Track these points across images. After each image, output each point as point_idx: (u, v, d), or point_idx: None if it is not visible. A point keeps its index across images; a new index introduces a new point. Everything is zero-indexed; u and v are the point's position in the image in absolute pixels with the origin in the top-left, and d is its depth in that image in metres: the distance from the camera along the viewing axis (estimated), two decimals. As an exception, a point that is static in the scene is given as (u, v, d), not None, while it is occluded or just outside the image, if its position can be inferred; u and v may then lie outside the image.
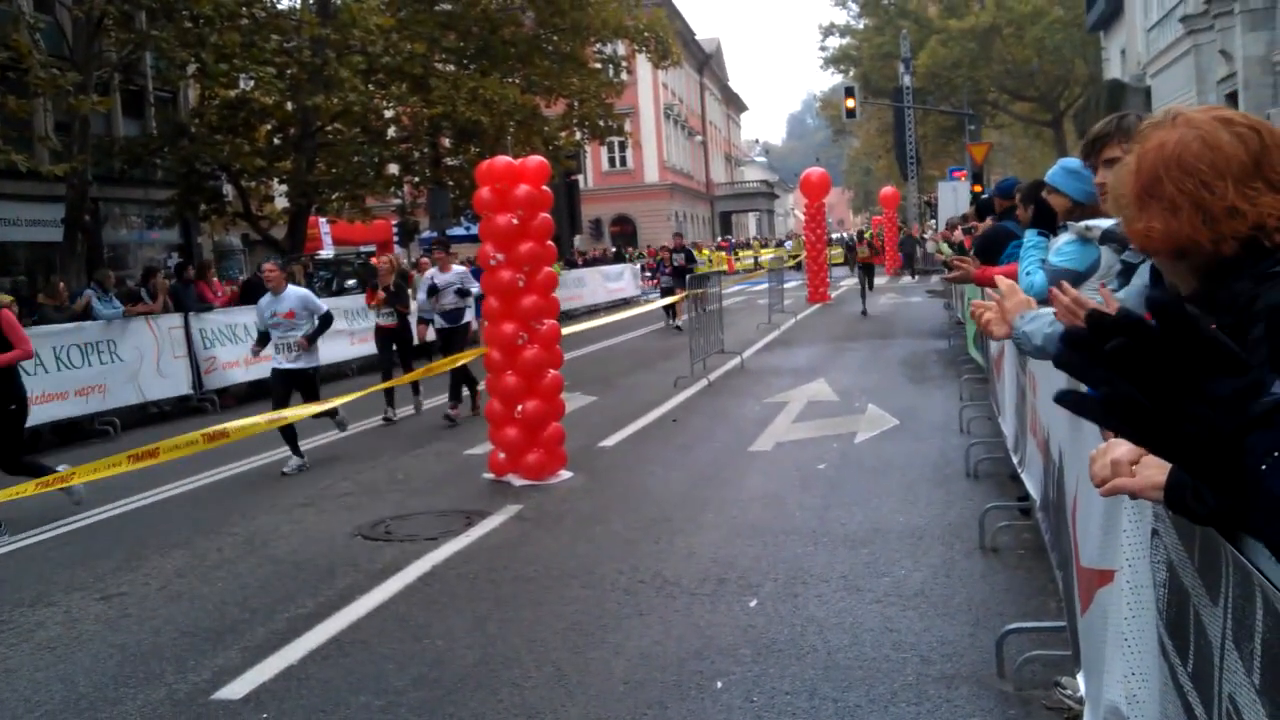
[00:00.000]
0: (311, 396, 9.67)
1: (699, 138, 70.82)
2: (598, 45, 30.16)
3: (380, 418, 11.96)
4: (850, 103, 36.97)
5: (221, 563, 6.79)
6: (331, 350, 16.74)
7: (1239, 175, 1.60)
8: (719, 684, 4.41)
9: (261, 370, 15.37)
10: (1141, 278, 3.15)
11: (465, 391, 11.90)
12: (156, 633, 5.52)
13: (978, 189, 28.77)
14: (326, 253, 30.21)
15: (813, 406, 11.15)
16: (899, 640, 4.75)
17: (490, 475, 8.62)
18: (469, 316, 12.43)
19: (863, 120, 52.36)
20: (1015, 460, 6.51)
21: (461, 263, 20.89)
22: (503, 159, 8.78)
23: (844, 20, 58.73)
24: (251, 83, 21.71)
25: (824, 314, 23.85)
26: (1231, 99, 21.96)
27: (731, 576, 5.80)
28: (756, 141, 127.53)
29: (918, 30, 50.16)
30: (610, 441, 10.07)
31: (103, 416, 12.89)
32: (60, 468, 7.74)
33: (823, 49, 60.07)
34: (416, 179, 27.30)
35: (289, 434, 9.41)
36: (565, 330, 9.46)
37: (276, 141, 23.97)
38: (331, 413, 9.85)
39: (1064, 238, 4.18)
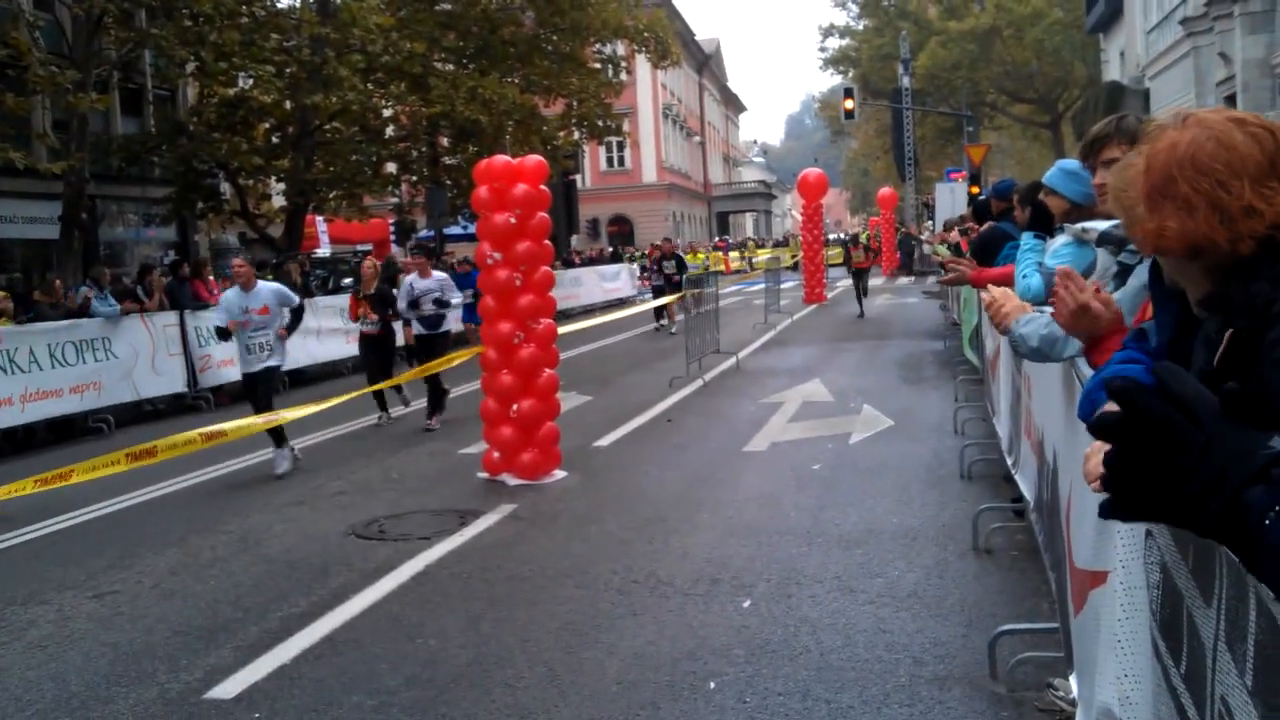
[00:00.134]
0: (266, 397, 9.40)
1: (697, 138, 70.84)
2: (597, 45, 30.15)
3: (375, 419, 11.86)
4: (849, 104, 36.94)
5: (214, 561, 6.78)
6: (328, 349, 16.78)
7: (1255, 175, 1.59)
8: (712, 684, 4.40)
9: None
10: (1139, 278, 3.14)
11: (431, 401, 11.48)
12: (149, 631, 5.50)
13: (975, 190, 28.77)
14: (323, 251, 30.19)
15: (808, 407, 11.14)
16: (892, 641, 4.74)
17: (485, 474, 8.61)
18: (449, 324, 12.07)
19: (861, 121, 52.37)
20: (1009, 462, 6.51)
21: (460, 262, 20.91)
22: (501, 158, 8.77)
23: (843, 21, 58.81)
24: (250, 81, 21.70)
25: (820, 315, 23.84)
26: (1230, 101, 21.97)
27: (725, 577, 5.80)
28: (755, 142, 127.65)
29: (917, 32, 50.17)
30: (605, 441, 10.06)
31: (97, 414, 12.87)
32: None
33: (822, 50, 60.02)
34: (414, 178, 27.29)
35: (278, 431, 9.14)
36: (561, 329, 9.44)
37: (274, 140, 23.96)
38: (279, 440, 9.34)
39: (1060, 240, 4.17)
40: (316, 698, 4.52)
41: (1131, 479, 1.09)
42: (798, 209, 40.20)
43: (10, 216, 21.23)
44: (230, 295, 9.56)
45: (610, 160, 58.08)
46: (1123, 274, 3.30)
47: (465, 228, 28.39)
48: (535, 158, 8.84)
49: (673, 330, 20.04)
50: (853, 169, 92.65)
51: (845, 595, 5.40)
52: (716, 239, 61.37)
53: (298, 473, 9.38)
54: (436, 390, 11.33)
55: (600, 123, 30.02)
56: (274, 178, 24.26)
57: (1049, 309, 3.06)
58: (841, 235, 50.32)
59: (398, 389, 12.05)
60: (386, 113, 25.97)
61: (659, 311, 20.86)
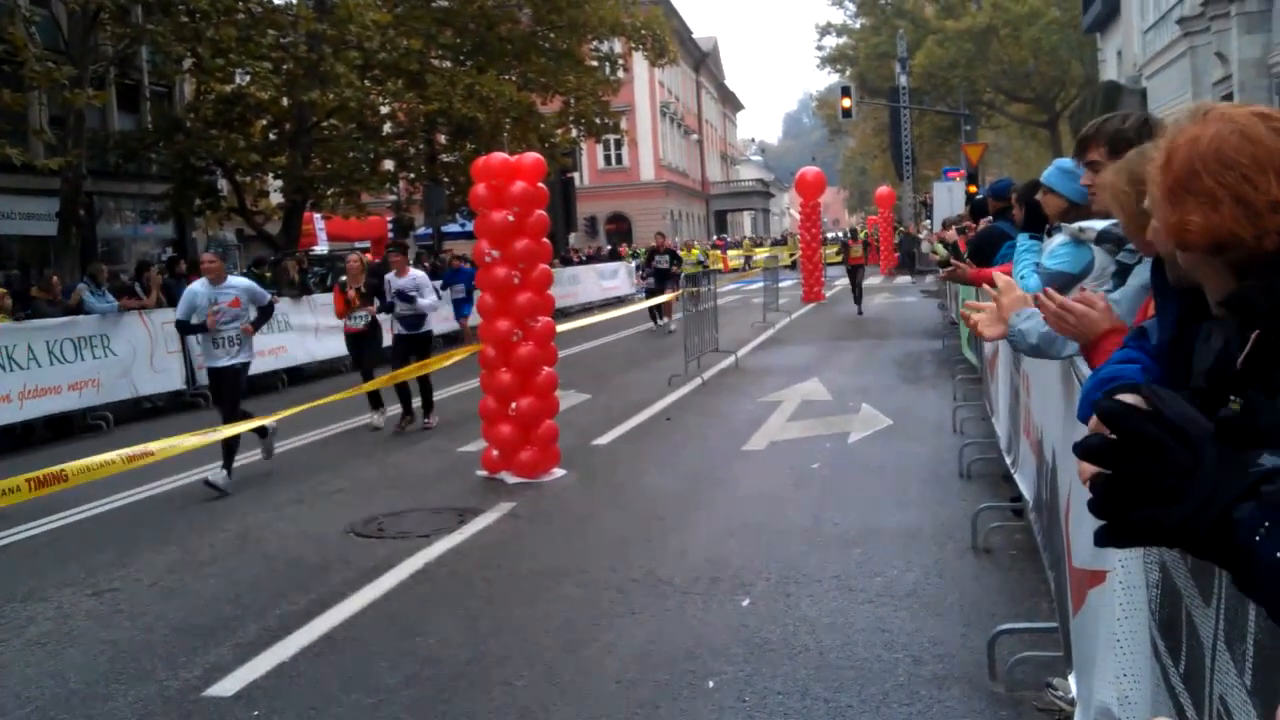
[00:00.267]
0: (233, 397, 8.98)
1: (695, 136, 70.79)
2: (594, 43, 30.12)
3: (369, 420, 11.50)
4: (846, 102, 36.95)
5: (214, 559, 6.78)
6: (326, 346, 16.74)
7: None
8: (711, 683, 4.41)
9: (256, 366, 15.37)
10: (1139, 278, 3.15)
11: (425, 401, 11.28)
12: (148, 629, 5.51)
13: (973, 189, 28.78)
14: (321, 249, 30.14)
15: (807, 406, 11.15)
16: (891, 640, 4.75)
17: (483, 473, 8.61)
18: (430, 324, 11.65)
19: (859, 120, 52.35)
20: (1008, 461, 6.52)
21: (457, 258, 20.88)
22: (499, 156, 8.77)
23: (841, 20, 58.73)
24: (247, 78, 21.64)
25: (818, 313, 23.86)
26: (1227, 101, 21.96)
27: (724, 576, 5.80)
28: (752, 140, 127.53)
29: (914, 30, 50.17)
30: (604, 440, 10.06)
31: (95, 411, 12.85)
32: None
33: (819, 48, 60.17)
34: (412, 175, 27.25)
35: (231, 442, 8.54)
36: (560, 327, 9.45)
37: (272, 137, 23.90)
38: (262, 431, 9.06)
39: (1058, 239, 4.17)
40: (315, 696, 4.52)
41: (1122, 503, 1.10)
42: (795, 207, 40.18)
43: (7, 213, 21.18)
44: (197, 288, 9.09)
45: (608, 158, 58.04)
46: (1121, 273, 3.30)
47: (463, 225, 28.34)
48: (533, 155, 8.84)
49: (671, 328, 20.04)
50: (850, 167, 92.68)
51: (844, 594, 5.41)
52: (715, 237, 61.36)
53: (297, 471, 9.38)
54: (425, 389, 11.06)
55: (598, 120, 30.00)
56: (271, 175, 24.21)
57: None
58: (839, 234, 50.31)
59: (373, 403, 11.39)
60: (384, 110, 25.92)
61: (654, 311, 20.77)
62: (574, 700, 4.33)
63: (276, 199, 25.30)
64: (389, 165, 26.63)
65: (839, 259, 27.30)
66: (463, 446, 9.94)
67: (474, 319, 17.25)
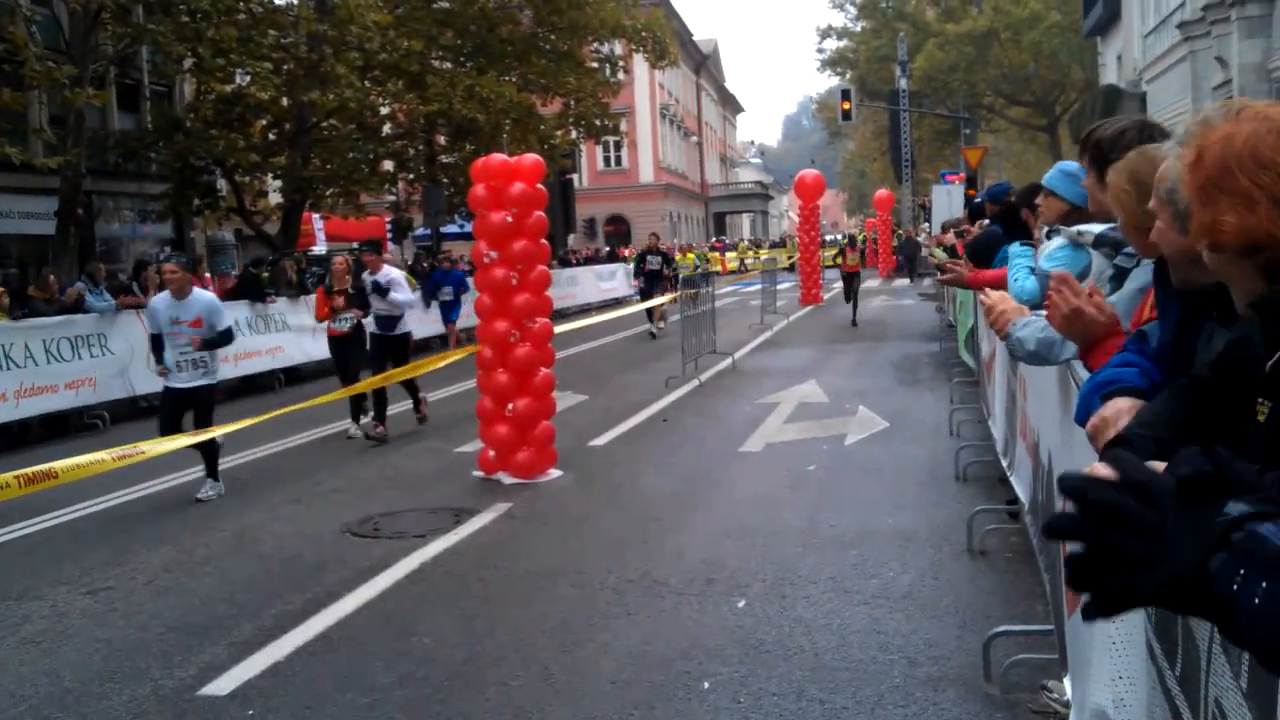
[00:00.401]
0: (205, 420, 8.31)
1: (694, 138, 70.82)
2: (595, 45, 30.12)
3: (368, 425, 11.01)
4: (846, 105, 36.99)
5: (209, 558, 6.77)
6: (324, 347, 16.61)
7: None
8: (706, 684, 4.41)
9: (252, 366, 15.41)
10: (1136, 281, 3.14)
11: (413, 403, 11.11)
12: (143, 628, 5.50)
13: (972, 193, 28.80)
14: (320, 249, 30.13)
15: (803, 408, 11.15)
16: (886, 642, 4.75)
17: (480, 473, 8.60)
18: (406, 326, 11.25)
19: (858, 123, 52.38)
20: (1005, 464, 6.52)
21: (446, 259, 20.80)
22: (498, 157, 8.78)
23: (841, 23, 58.79)
24: (247, 78, 21.64)
25: (816, 316, 23.86)
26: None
27: (720, 577, 5.80)
28: (752, 143, 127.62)
29: (914, 34, 50.21)
30: (601, 441, 10.06)
31: (92, 410, 12.84)
32: None
33: (819, 51, 60.01)
34: (411, 176, 27.25)
35: (210, 451, 8.30)
36: (558, 329, 9.45)
37: (271, 137, 23.90)
38: (214, 474, 8.53)
39: (1056, 242, 4.18)
40: (310, 695, 4.52)
41: (1098, 574, 1.09)
42: (794, 210, 40.20)
43: (6, 212, 21.17)
44: (158, 302, 8.53)
45: (607, 160, 58.04)
46: (1118, 276, 3.30)
47: (462, 226, 28.35)
48: (532, 156, 8.84)
49: (659, 330, 19.97)
50: (850, 170, 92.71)
51: (840, 596, 5.41)
52: (713, 239, 61.38)
53: (293, 471, 9.37)
54: (380, 400, 10.59)
55: (597, 122, 29.99)
56: (271, 175, 24.20)
57: (1045, 312, 3.07)
58: (838, 236, 50.37)
59: (354, 413, 11.06)
60: (384, 110, 25.92)
61: (650, 315, 20.60)
62: (569, 701, 4.33)
63: (275, 199, 25.29)
64: (388, 166, 26.64)
65: (836, 262, 27.06)
66: (459, 447, 9.93)
67: (461, 323, 17.24)
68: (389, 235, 31.75)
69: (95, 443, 10.21)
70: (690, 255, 30.28)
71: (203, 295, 8.61)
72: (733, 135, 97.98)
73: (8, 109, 16.38)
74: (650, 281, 21.28)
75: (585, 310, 26.46)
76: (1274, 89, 21.75)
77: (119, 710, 4.47)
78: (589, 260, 35.46)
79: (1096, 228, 3.78)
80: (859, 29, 57.06)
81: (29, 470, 5.46)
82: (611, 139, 42.57)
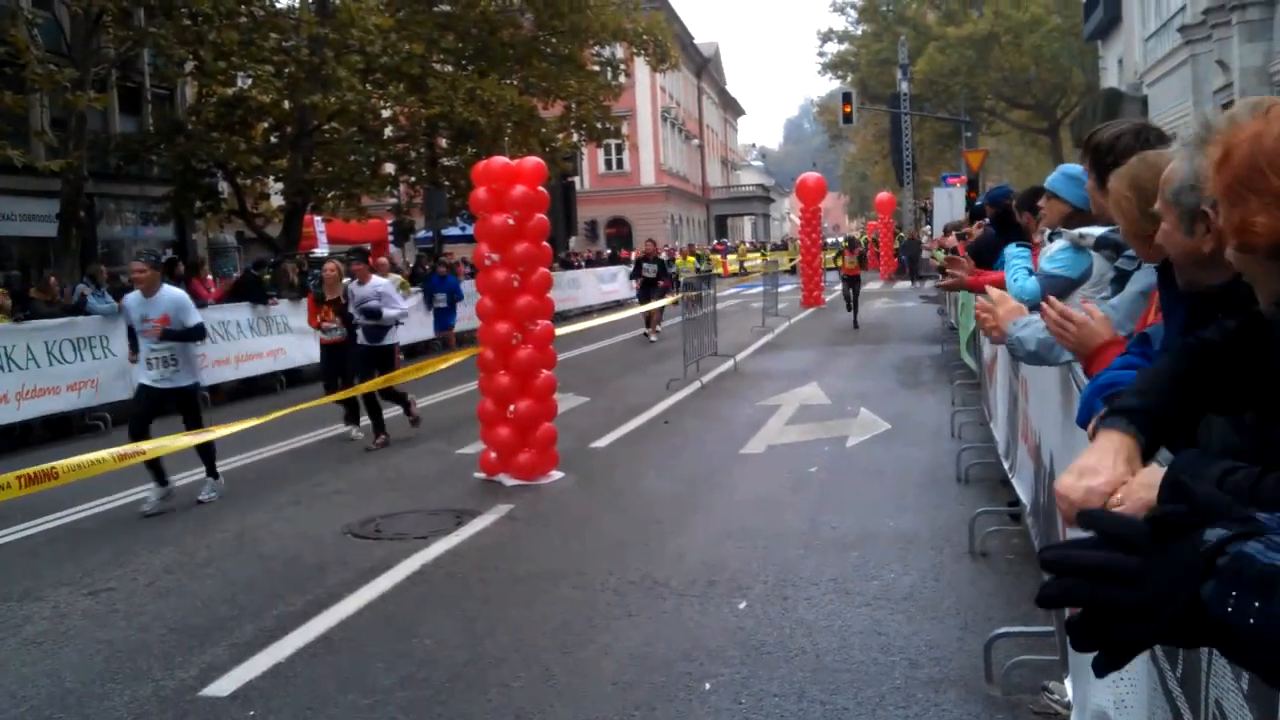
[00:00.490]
0: (194, 421, 8.30)
1: (696, 141, 70.84)
2: (596, 48, 30.14)
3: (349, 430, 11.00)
4: (847, 108, 36.99)
5: (210, 559, 6.77)
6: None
7: None
8: (707, 685, 4.41)
9: (254, 368, 15.44)
10: (1136, 284, 3.15)
11: (402, 409, 10.87)
12: (144, 629, 5.50)
13: (973, 196, 28.80)
14: (321, 251, 30.16)
15: (805, 410, 11.15)
16: (887, 644, 4.75)
17: (481, 475, 8.60)
18: (394, 336, 10.98)
19: (859, 126, 52.37)
20: (1006, 465, 6.52)
21: (442, 264, 20.78)
22: (499, 160, 8.78)
23: (842, 26, 58.81)
24: (249, 81, 21.69)
25: (817, 318, 23.85)
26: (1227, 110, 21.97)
27: (721, 578, 5.80)
28: (753, 146, 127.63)
29: (916, 37, 50.25)
30: (602, 442, 10.06)
31: (94, 412, 12.85)
32: None
33: (821, 54, 60.07)
34: (413, 179, 27.28)
35: (157, 464, 7.98)
36: (559, 331, 9.45)
37: (273, 140, 23.94)
38: (213, 472, 8.51)
39: (1058, 244, 4.18)
40: (311, 696, 4.52)
41: (1099, 629, 1.10)
42: (796, 213, 40.23)
43: (8, 214, 21.21)
44: (130, 300, 8.51)
45: (609, 163, 58.07)
46: (1119, 279, 3.31)
47: (464, 229, 28.35)
48: (534, 159, 8.85)
49: (653, 338, 19.94)
50: (851, 173, 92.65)
51: (841, 597, 5.41)
52: (714, 242, 61.39)
53: (295, 472, 9.37)
54: (377, 407, 10.47)
55: (599, 125, 30.00)
56: (272, 177, 24.23)
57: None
58: (839, 239, 50.39)
59: (348, 418, 11.03)
60: (385, 113, 25.96)
61: (648, 320, 20.45)
62: (570, 702, 4.33)
63: (277, 201, 25.33)
64: (390, 169, 26.66)
65: (837, 264, 26.96)
66: (461, 449, 9.94)
67: (460, 326, 17.18)
68: (391, 238, 31.82)
69: (97, 444, 10.19)
70: (690, 259, 30.25)
71: (170, 293, 8.41)
72: (734, 138, 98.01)
73: (9, 112, 16.41)
74: (647, 288, 20.96)
75: (587, 312, 26.47)
76: (1275, 92, 21.74)
77: (120, 711, 4.48)
78: (591, 263, 35.45)
79: (1098, 231, 3.79)
80: (860, 32, 57.06)
81: (30, 470, 5.47)
82: (613, 142, 42.63)
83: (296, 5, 22.70)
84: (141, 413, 8.27)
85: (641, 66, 36.20)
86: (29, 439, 12.16)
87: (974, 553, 6.03)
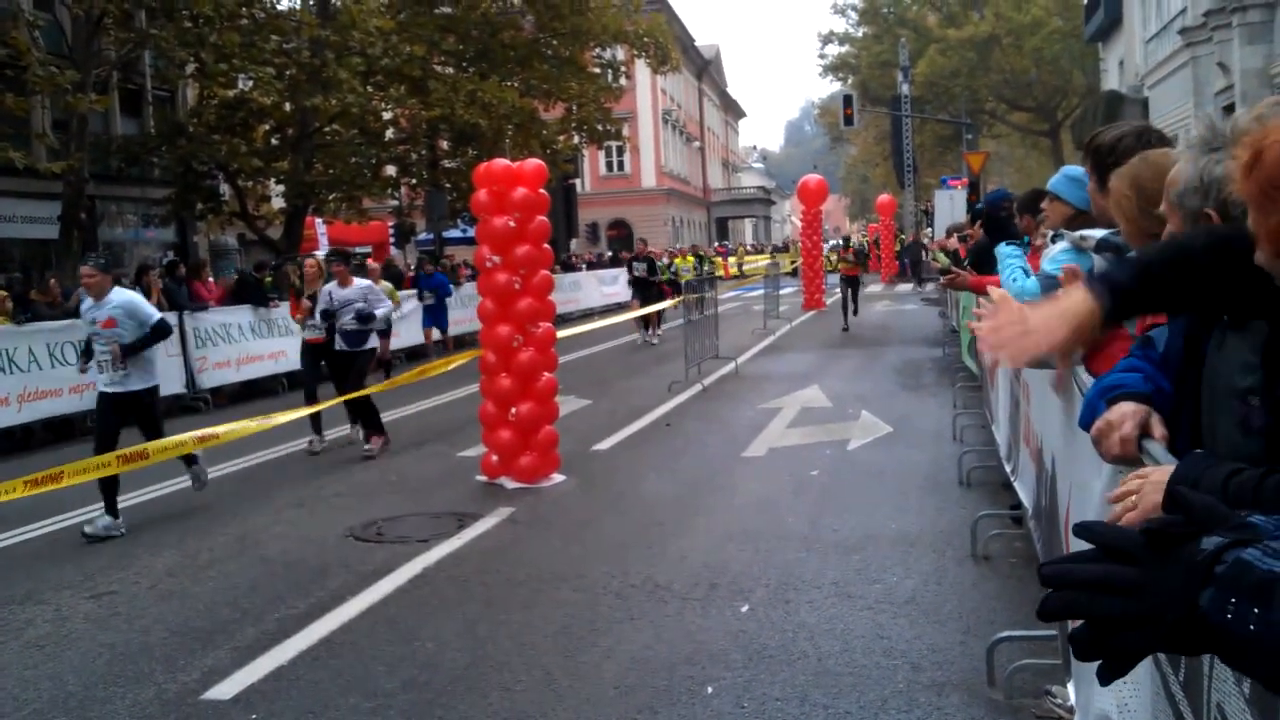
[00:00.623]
0: (151, 428, 7.92)
1: (697, 143, 70.85)
2: (597, 50, 30.16)
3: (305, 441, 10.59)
4: (848, 111, 36.99)
5: (212, 562, 6.77)
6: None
7: None
8: (709, 689, 4.40)
9: (255, 370, 15.44)
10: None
11: (366, 421, 10.29)
12: (146, 632, 5.50)
13: (974, 198, 28.80)
14: (322, 253, 30.17)
15: (806, 413, 11.15)
16: (890, 647, 4.75)
17: (483, 478, 8.60)
18: (374, 341, 10.70)
19: (860, 128, 52.41)
20: (1008, 468, 6.52)
21: (429, 263, 20.72)
22: (500, 162, 8.78)
23: (843, 28, 58.95)
24: (250, 83, 21.69)
25: (819, 321, 23.84)
26: (1229, 111, 22.02)
27: (723, 581, 5.80)
28: (754, 148, 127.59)
29: (916, 39, 50.26)
30: (604, 445, 10.06)
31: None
32: None
33: (821, 57, 60.15)
34: (414, 181, 27.29)
35: (110, 484, 7.49)
36: (561, 333, 9.45)
37: (274, 142, 23.96)
38: (190, 459, 8.25)
39: (1059, 246, 4.18)
40: (313, 699, 4.52)
41: (1103, 639, 1.10)
42: (797, 215, 40.20)
43: (9, 216, 21.23)
44: (84, 306, 8.21)
45: (610, 165, 58.07)
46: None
47: (465, 231, 28.37)
48: (534, 161, 8.85)
49: (655, 340, 19.93)
50: (852, 175, 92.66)
51: (843, 601, 5.41)
52: (715, 244, 61.38)
53: (296, 474, 9.37)
54: (369, 412, 10.15)
55: (600, 127, 30.02)
56: (273, 179, 24.26)
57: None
58: (838, 241, 50.43)
59: (351, 418, 10.76)
60: (386, 115, 25.97)
61: (644, 322, 20.34)
62: (572, 706, 4.32)
63: (278, 203, 25.36)
64: (391, 171, 26.68)
65: (836, 266, 26.89)
66: (462, 451, 9.94)
67: (454, 329, 17.07)
68: (392, 240, 31.83)
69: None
70: (689, 258, 30.23)
71: (119, 295, 7.99)
72: (735, 140, 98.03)
73: (11, 114, 16.43)
74: (640, 288, 20.70)
75: (588, 315, 26.47)
76: (1276, 94, 21.73)
77: (122, 714, 4.48)
78: (592, 265, 35.44)
79: (1099, 233, 3.79)
80: (861, 35, 57.09)
81: (36, 475, 5.48)
82: (614, 144, 42.58)
83: (298, 7, 22.74)
84: (106, 425, 7.87)
85: (642, 69, 36.23)
86: (30, 442, 12.15)
87: (976, 556, 6.02)
